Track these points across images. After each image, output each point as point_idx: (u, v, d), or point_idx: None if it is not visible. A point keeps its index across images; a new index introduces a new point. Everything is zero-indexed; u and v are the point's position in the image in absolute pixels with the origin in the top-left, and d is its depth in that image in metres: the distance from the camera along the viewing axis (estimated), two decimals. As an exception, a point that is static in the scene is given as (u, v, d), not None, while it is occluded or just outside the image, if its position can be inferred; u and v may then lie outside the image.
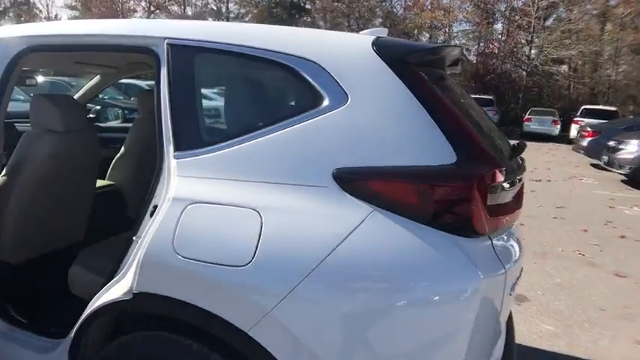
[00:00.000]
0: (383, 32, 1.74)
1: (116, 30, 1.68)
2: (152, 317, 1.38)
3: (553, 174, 10.16)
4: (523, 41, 25.98)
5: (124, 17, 32.78)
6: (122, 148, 2.96)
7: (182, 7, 34.02)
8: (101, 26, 1.73)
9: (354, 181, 1.18)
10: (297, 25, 27.93)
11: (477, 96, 20.60)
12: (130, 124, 3.34)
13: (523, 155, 1.67)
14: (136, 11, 34.19)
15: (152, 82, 1.76)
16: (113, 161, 2.93)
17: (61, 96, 2.44)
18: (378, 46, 1.32)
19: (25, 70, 2.65)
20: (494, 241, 1.24)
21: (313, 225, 1.17)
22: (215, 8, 33.00)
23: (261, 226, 1.19)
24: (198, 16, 32.83)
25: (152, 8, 33.55)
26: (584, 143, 11.24)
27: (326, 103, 1.26)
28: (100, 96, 5.84)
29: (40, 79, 5.00)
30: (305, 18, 29.52)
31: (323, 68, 1.28)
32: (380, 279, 1.14)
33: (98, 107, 4.50)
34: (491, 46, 28.07)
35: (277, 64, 1.33)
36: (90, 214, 2.40)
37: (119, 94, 11.07)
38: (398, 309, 1.13)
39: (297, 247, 1.16)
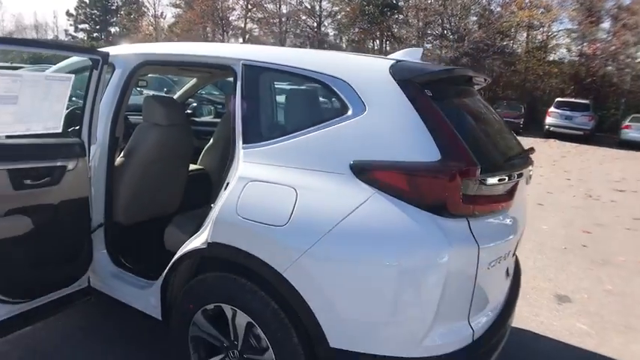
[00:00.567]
0: (418, 52, 2.16)
1: (207, 52, 2.27)
2: (220, 261, 1.92)
3: (642, 186, 9.65)
4: (630, 42, 24.00)
5: (223, 14, 34.97)
6: (211, 140, 3.60)
7: (277, 5, 35.27)
8: (196, 48, 2.33)
9: (364, 171, 1.62)
10: (389, 24, 28.10)
11: (570, 100, 19.52)
12: (219, 120, 4.00)
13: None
14: (234, 9, 35.93)
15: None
16: (204, 150, 3.57)
17: (165, 97, 3.11)
18: (394, 69, 1.74)
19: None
20: (471, 222, 1.61)
21: (332, 200, 1.63)
22: (309, 6, 33.85)
23: (296, 199, 1.67)
24: (292, 14, 33.88)
25: (249, 6, 35.15)
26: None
27: (350, 112, 1.71)
28: (200, 91, 6.58)
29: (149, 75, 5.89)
30: (397, 16, 29.37)
31: (350, 85, 1.74)
32: (375, 241, 1.57)
33: (195, 104, 5.25)
34: (593, 46, 26.18)
35: (316, 81, 1.82)
36: (183, 191, 3.03)
37: (215, 89, 12.18)
38: (387, 263, 1.56)
39: (320, 215, 1.63)
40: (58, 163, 2.16)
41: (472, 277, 1.62)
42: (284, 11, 34.79)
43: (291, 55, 2.05)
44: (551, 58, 26.90)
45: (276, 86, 2.08)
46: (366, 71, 1.82)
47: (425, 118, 1.61)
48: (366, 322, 1.62)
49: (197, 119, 4.73)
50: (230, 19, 36.17)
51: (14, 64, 11.13)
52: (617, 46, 24.34)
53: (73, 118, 2.47)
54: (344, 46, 32.87)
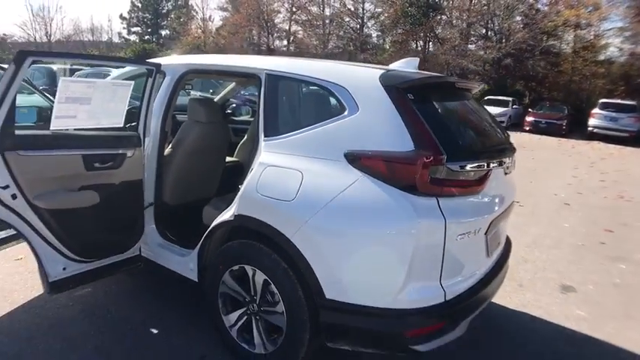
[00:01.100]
0: (415, 61, 2.56)
1: (238, 63, 2.79)
2: (244, 230, 2.39)
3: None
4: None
5: (268, 17, 35.85)
6: (245, 136, 4.10)
7: (321, 8, 35.86)
8: (229, 60, 2.85)
9: (354, 158, 2.05)
10: (432, 25, 28.03)
11: (616, 101, 18.97)
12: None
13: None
14: (279, 12, 36.77)
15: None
16: (239, 145, 4.08)
17: (206, 99, 3.63)
18: (382, 77, 2.16)
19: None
20: (440, 200, 2.00)
21: (328, 181, 2.07)
22: (352, 8, 34.17)
23: (302, 180, 2.12)
24: (336, 16, 34.26)
25: (294, 9, 35.91)
26: None
27: (346, 112, 2.14)
28: (242, 92, 7.09)
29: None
30: (439, 17, 29.25)
31: (347, 90, 2.17)
32: (359, 213, 1.99)
33: (235, 105, 5.81)
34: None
35: (321, 87, 2.27)
36: (220, 179, 3.53)
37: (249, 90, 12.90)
38: (368, 231, 1.98)
39: (319, 192, 2.07)
40: (120, 151, 2.70)
41: (440, 245, 2.00)
42: (327, 13, 35.39)
43: (302, 66, 2.53)
44: (600, 58, 26.02)
45: (290, 91, 2.53)
46: (360, 79, 2.25)
47: (403, 116, 2.01)
48: (352, 278, 2.04)
49: (236, 118, 5.28)
50: (275, 21, 37.06)
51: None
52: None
53: (131, 116, 3.01)
54: (387, 47, 32.97)
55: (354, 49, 31.43)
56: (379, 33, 34.15)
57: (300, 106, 2.51)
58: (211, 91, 11.58)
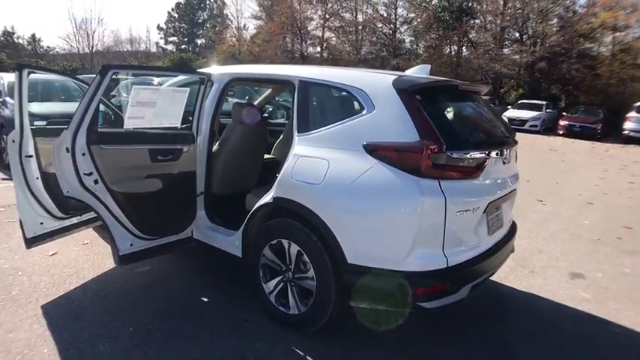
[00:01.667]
0: (426, 68, 3.01)
1: (275, 71, 3.32)
2: (281, 210, 2.87)
3: None
4: None
5: (301, 24, 36.59)
6: (281, 136, 4.61)
7: (353, 14, 36.35)
8: (267, 69, 3.39)
9: (371, 149, 2.51)
10: (465, 29, 28.08)
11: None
12: (288, 121, 5.04)
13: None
14: (312, 19, 37.42)
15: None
16: (275, 143, 4.60)
17: (247, 103, 4.16)
18: (395, 81, 2.62)
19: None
20: (442, 182, 2.43)
21: (350, 167, 2.53)
22: (385, 14, 34.51)
23: (328, 167, 2.60)
24: (368, 22, 34.62)
25: (327, 16, 36.53)
26: None
27: (365, 111, 2.61)
28: (277, 98, 7.67)
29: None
30: (473, 21, 29.25)
31: (366, 93, 2.64)
32: (374, 192, 2.45)
33: (271, 109, 6.37)
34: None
35: (344, 90, 2.75)
36: (259, 173, 4.05)
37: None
38: (380, 206, 2.44)
39: (342, 176, 2.54)
40: (178, 147, 3.25)
41: (442, 219, 2.44)
42: (360, 19, 35.79)
43: (329, 73, 3.03)
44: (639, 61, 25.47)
45: (319, 94, 3.01)
46: (376, 83, 2.72)
47: (411, 114, 2.47)
48: (369, 246, 2.50)
49: (272, 121, 5.83)
50: (308, 28, 37.73)
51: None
52: None
53: (186, 117, 3.56)
54: (421, 52, 33.13)
55: (387, 55, 31.70)
56: (412, 38, 34.33)
57: (327, 106, 3.00)
58: (247, 97, 12.24)
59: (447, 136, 2.46)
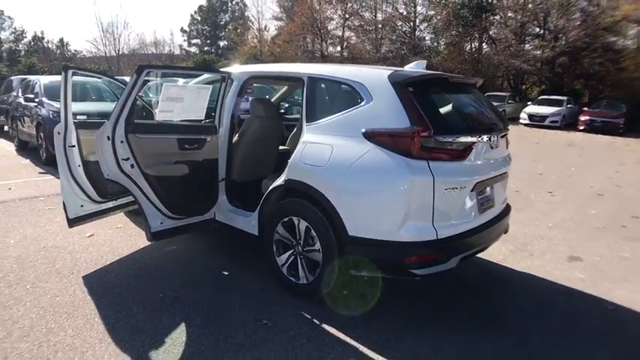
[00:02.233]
0: (422, 64, 3.35)
1: (287, 69, 3.72)
2: (292, 191, 3.25)
3: None
4: None
5: (321, 24, 37.02)
6: (295, 129, 4.99)
7: (373, 13, 36.56)
8: (280, 67, 3.78)
9: (369, 135, 2.85)
10: (485, 25, 28.01)
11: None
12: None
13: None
14: (332, 18, 37.75)
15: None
16: (290, 136, 4.99)
17: (264, 99, 4.57)
18: (390, 75, 2.97)
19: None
20: (430, 163, 2.76)
21: (350, 151, 2.89)
22: (404, 12, 34.60)
23: (332, 151, 2.96)
24: (388, 20, 34.75)
25: (347, 15, 36.83)
26: None
27: (363, 102, 2.97)
28: (296, 97, 8.05)
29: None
30: (492, 17, 29.13)
31: (365, 86, 2.99)
32: (371, 172, 2.80)
33: (286, 106, 6.78)
34: None
35: (347, 84, 3.11)
36: (275, 162, 4.43)
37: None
38: (376, 184, 2.79)
39: (343, 159, 2.90)
40: (202, 137, 3.66)
41: (431, 195, 2.77)
42: (379, 18, 35.97)
43: (333, 69, 3.41)
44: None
45: (325, 88, 3.39)
46: (374, 77, 3.07)
47: (404, 104, 2.81)
48: (367, 219, 2.85)
49: (287, 116, 6.23)
50: (328, 28, 38.06)
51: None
52: None
53: (209, 111, 3.97)
54: (441, 48, 33.15)
55: (407, 53, 31.81)
56: (432, 36, 34.34)
57: (332, 98, 3.37)
58: (267, 96, 12.72)
59: (436, 122, 2.80)
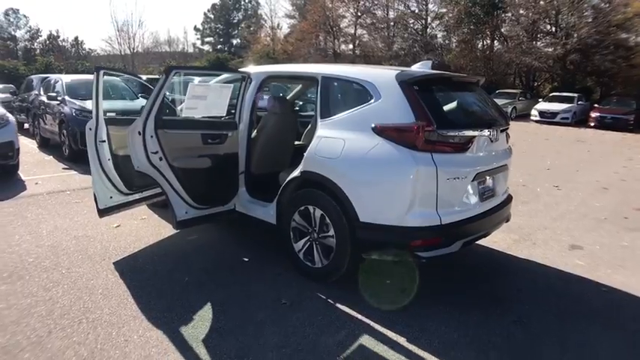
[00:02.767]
0: (428, 63, 3.61)
1: (302, 69, 4.03)
2: (308, 182, 3.52)
3: None
4: None
5: (334, 22, 37.24)
6: (309, 126, 5.27)
7: (385, 11, 36.69)
8: (296, 67, 4.07)
9: (378, 130, 3.12)
10: (496, 23, 28.00)
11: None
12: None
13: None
14: (344, 16, 37.93)
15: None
16: (304, 131, 5.26)
17: (281, 97, 4.86)
18: (396, 75, 3.23)
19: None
20: (434, 155, 3.02)
21: (361, 145, 3.16)
22: (417, 10, 34.67)
23: (344, 144, 3.23)
24: (399, 18, 34.85)
25: (359, 13, 37.01)
26: None
27: (373, 100, 3.24)
28: (309, 95, 8.32)
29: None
30: (503, 15, 29.11)
31: (374, 85, 3.26)
32: (380, 163, 3.07)
33: (301, 103, 7.06)
34: None
35: (357, 83, 3.39)
36: (291, 156, 4.71)
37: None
38: (384, 174, 3.06)
39: (355, 152, 3.17)
40: (224, 132, 3.95)
41: (434, 183, 3.03)
42: (391, 16, 36.09)
43: (345, 69, 3.69)
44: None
45: (338, 87, 3.66)
46: (383, 76, 3.33)
47: (409, 101, 3.08)
48: (377, 206, 3.12)
49: (302, 114, 6.50)
50: (341, 26, 38.23)
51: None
52: None
53: (230, 108, 4.26)
54: (453, 46, 33.17)
55: (419, 50, 31.90)
56: (444, 33, 34.36)
57: (344, 96, 3.64)
58: (281, 94, 13.01)
59: (439, 117, 3.06)
